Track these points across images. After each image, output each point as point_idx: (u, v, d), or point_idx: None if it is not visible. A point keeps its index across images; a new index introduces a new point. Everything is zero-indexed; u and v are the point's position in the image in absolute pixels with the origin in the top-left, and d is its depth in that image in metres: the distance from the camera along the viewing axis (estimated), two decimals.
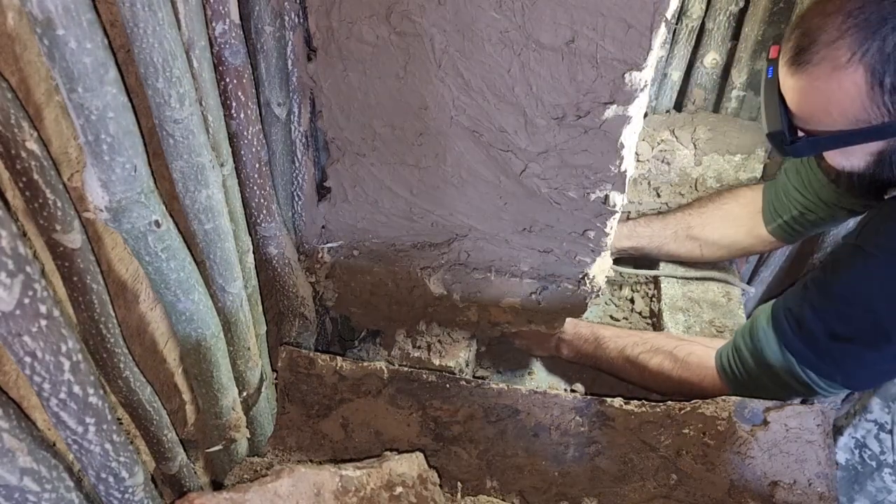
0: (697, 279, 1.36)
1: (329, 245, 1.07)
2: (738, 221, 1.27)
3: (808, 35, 0.82)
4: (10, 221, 0.43)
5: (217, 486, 0.95)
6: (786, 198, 1.18)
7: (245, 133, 0.81)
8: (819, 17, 0.81)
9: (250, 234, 0.86)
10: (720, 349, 1.04)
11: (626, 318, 1.42)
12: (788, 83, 0.85)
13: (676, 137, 1.48)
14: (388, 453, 0.91)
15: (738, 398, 0.92)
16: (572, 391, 1.27)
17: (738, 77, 1.49)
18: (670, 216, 1.36)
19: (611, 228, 0.96)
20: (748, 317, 1.33)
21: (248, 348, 0.87)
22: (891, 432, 1.25)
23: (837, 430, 1.30)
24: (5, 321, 0.45)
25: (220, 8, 0.70)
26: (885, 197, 0.90)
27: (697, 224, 1.31)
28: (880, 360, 0.88)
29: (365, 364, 1.01)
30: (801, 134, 0.88)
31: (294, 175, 0.97)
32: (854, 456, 1.29)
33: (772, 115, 0.88)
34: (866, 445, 1.27)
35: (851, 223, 1.19)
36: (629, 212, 1.49)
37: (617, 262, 1.40)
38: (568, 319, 1.18)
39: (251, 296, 0.88)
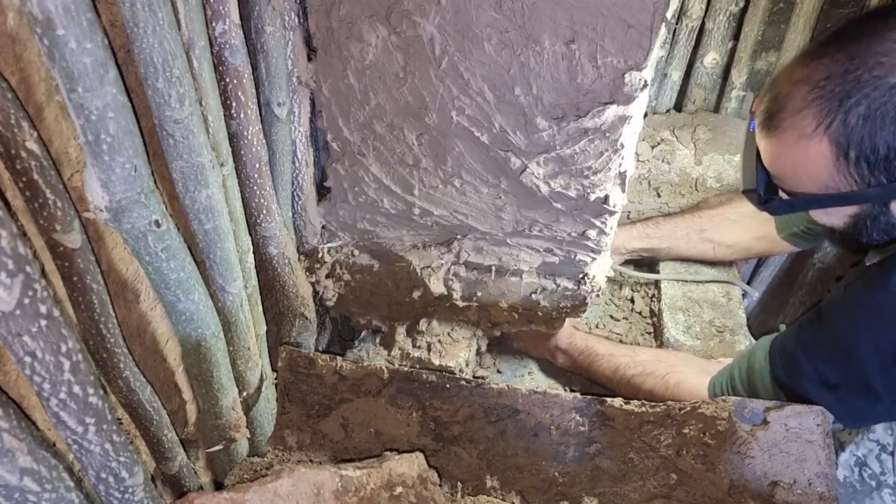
0: (698, 282, 1.36)
1: (329, 245, 1.07)
2: (752, 226, 1.28)
3: (776, 101, 0.83)
4: (10, 221, 0.43)
5: (217, 486, 0.95)
6: None
7: (245, 133, 0.81)
8: (787, 85, 0.82)
9: (250, 234, 0.86)
10: (714, 378, 1.05)
11: (626, 318, 1.42)
12: (762, 144, 0.86)
13: (676, 137, 1.48)
14: (388, 453, 0.91)
15: (738, 398, 0.92)
16: (571, 391, 1.27)
17: (738, 77, 1.49)
18: (679, 218, 1.36)
19: (611, 228, 0.96)
20: (748, 318, 1.34)
21: (248, 348, 0.87)
22: (892, 454, 1.25)
23: (839, 446, 1.30)
24: (5, 321, 0.45)
25: (220, 8, 0.70)
26: (867, 262, 0.90)
27: (710, 227, 1.31)
28: (867, 410, 0.89)
29: (365, 364, 1.01)
30: (781, 192, 0.88)
31: (294, 175, 0.97)
32: (853, 474, 1.29)
33: (748, 172, 0.89)
34: (867, 464, 1.27)
35: None
36: (629, 212, 1.49)
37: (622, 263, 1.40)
38: (564, 329, 1.18)
39: (251, 296, 0.88)
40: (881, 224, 0.83)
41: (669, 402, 0.94)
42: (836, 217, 0.87)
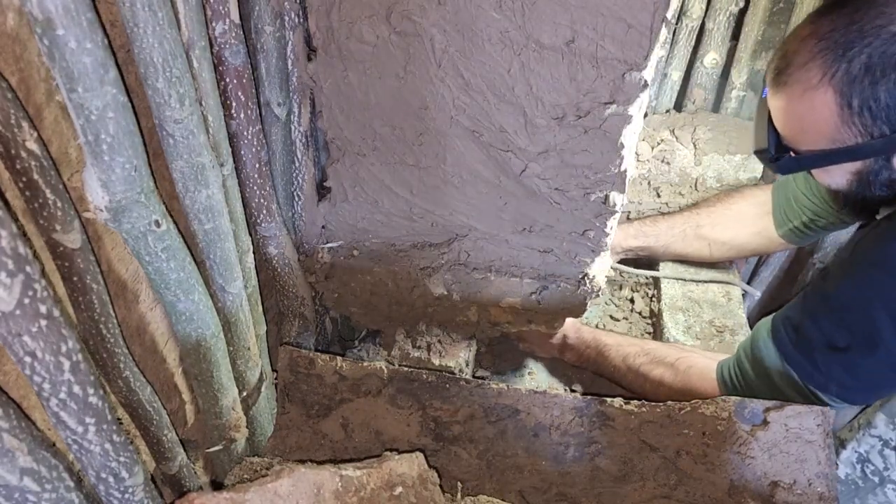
0: (698, 281, 1.36)
1: (329, 245, 1.07)
2: (749, 222, 1.28)
3: (785, 57, 0.86)
4: (10, 221, 0.43)
5: (217, 486, 0.95)
6: (795, 203, 1.18)
7: (245, 133, 0.81)
8: (796, 41, 0.85)
9: (250, 234, 0.86)
10: (721, 362, 1.04)
11: (626, 318, 1.42)
12: (772, 103, 0.88)
13: (676, 137, 1.48)
14: (388, 453, 0.91)
15: (738, 398, 0.92)
16: (572, 391, 1.27)
17: (738, 77, 1.49)
18: (677, 216, 1.36)
19: (611, 228, 0.96)
20: (748, 318, 1.34)
21: (248, 348, 0.87)
22: (895, 449, 1.25)
23: (840, 444, 1.30)
24: (5, 321, 0.45)
25: (220, 8, 0.70)
26: (877, 216, 0.91)
27: (707, 223, 1.31)
28: (874, 366, 0.88)
29: (365, 364, 1.01)
30: (791, 153, 0.90)
31: (294, 175, 0.97)
32: (856, 470, 1.28)
33: (760, 133, 0.92)
34: (869, 460, 1.27)
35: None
36: (629, 212, 1.49)
37: (619, 262, 1.40)
38: (571, 324, 1.18)
39: (251, 296, 0.88)
40: (883, 179, 0.85)
41: (669, 403, 0.94)
42: (838, 176, 0.88)
